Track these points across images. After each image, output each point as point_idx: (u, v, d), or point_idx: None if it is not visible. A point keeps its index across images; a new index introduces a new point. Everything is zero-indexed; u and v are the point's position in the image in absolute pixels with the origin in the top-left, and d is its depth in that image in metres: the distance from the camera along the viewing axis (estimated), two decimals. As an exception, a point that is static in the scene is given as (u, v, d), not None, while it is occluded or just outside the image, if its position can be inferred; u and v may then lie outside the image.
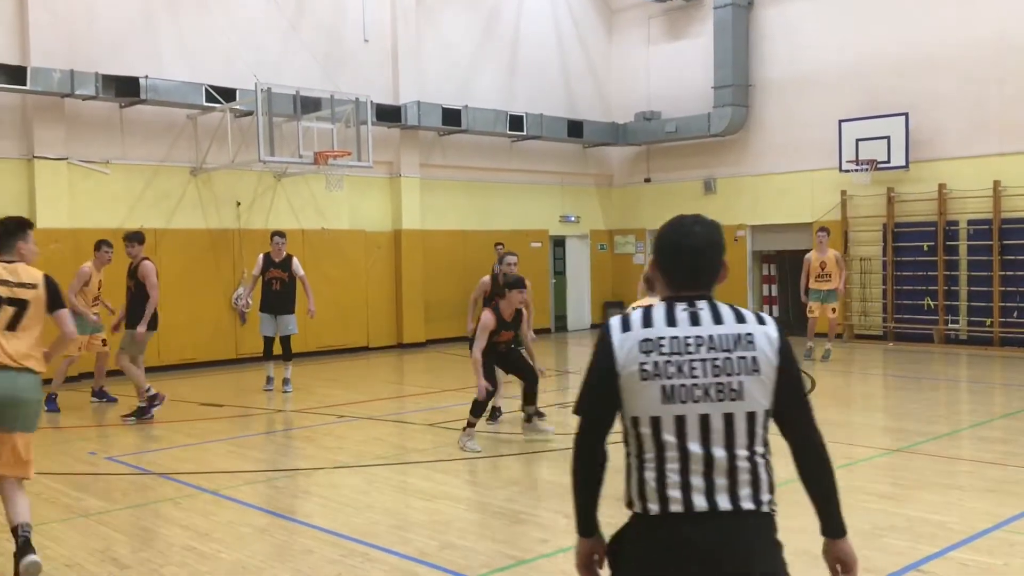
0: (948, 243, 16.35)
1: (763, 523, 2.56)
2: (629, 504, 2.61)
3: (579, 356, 17.07)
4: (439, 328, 17.69)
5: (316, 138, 14.44)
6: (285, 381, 12.24)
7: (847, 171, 17.12)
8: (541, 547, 5.53)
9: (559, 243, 20.83)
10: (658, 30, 20.55)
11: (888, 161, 16.63)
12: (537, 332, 19.50)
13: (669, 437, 2.52)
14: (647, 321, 2.57)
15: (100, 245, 11.03)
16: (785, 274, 19.54)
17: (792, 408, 2.60)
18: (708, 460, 2.50)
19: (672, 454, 2.52)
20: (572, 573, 5.06)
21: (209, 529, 6.14)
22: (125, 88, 13.62)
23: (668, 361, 2.51)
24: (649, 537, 2.55)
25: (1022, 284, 15.51)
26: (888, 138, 16.62)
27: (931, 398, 11.30)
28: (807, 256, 14.71)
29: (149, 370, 14.19)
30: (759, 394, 2.52)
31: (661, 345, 2.53)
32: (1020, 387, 12.01)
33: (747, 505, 2.50)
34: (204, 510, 6.58)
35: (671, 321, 2.56)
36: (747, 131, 19.09)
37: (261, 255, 12.60)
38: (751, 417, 2.52)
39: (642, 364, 2.52)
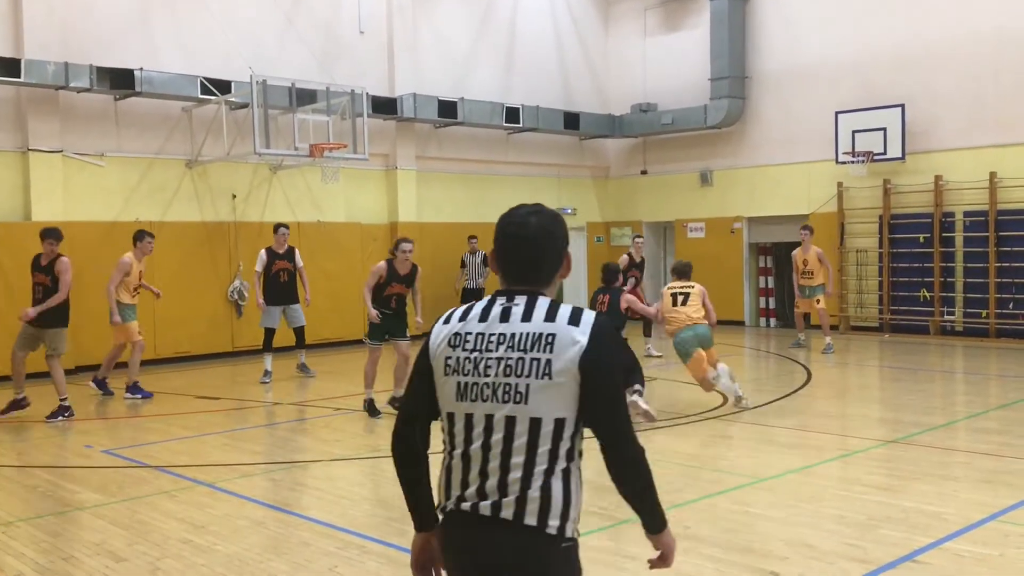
0: (944, 235, 16.36)
1: (536, 543, 2.38)
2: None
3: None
4: (435, 320, 17.66)
5: (312, 130, 14.41)
6: (303, 367, 12.83)
7: (843, 163, 17.12)
8: (537, 539, 5.52)
9: (556, 235, 20.78)
10: (655, 22, 20.51)
11: (884, 153, 16.63)
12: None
13: (459, 435, 2.47)
14: (464, 315, 2.52)
15: (142, 235, 11.34)
16: (781, 266, 19.53)
17: (598, 419, 2.43)
18: (484, 463, 2.41)
19: (459, 451, 2.47)
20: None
21: (205, 522, 6.14)
22: (120, 80, 13.57)
23: (468, 358, 2.44)
24: (440, 532, 2.55)
25: (1018, 276, 15.52)
26: (884, 130, 16.61)
27: (927, 389, 11.32)
28: (793, 253, 14.84)
29: (146, 362, 14.21)
30: (549, 401, 2.37)
31: (467, 341, 2.46)
32: (1016, 378, 12.03)
33: (507, 514, 2.37)
34: (200, 503, 6.58)
35: (484, 316, 2.48)
36: (744, 123, 19.07)
37: (263, 250, 12.63)
38: (535, 425, 2.37)
39: (447, 359, 2.47)
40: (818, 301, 14.63)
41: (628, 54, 20.83)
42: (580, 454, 2.49)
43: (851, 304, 17.71)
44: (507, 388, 2.39)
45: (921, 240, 16.67)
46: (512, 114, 18.44)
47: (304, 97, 14.34)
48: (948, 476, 6.95)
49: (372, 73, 16.92)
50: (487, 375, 2.41)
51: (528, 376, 2.37)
